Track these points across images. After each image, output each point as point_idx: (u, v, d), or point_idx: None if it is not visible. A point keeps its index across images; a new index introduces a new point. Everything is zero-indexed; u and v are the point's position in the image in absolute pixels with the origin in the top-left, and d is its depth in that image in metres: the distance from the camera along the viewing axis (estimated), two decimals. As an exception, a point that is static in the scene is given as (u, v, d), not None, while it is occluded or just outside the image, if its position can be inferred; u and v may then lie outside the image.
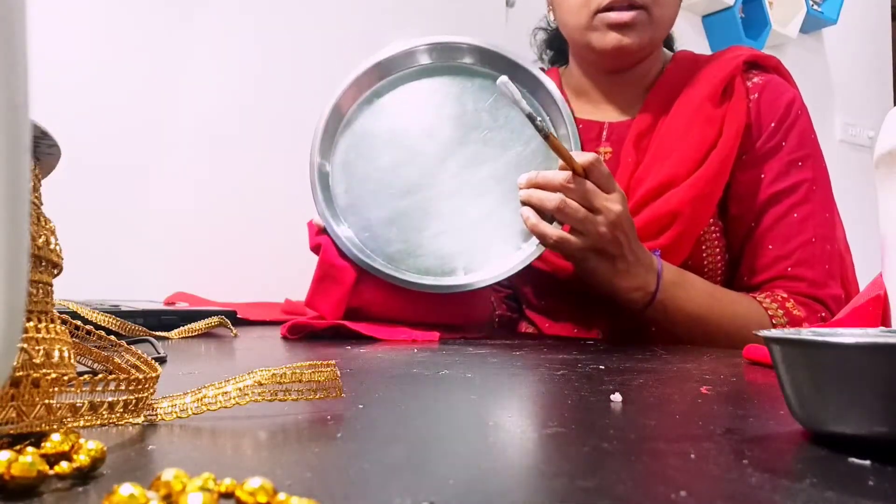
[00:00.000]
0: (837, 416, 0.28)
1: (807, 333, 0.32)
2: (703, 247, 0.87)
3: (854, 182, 1.88)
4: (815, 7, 2.22)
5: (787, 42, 2.14)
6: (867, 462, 0.26)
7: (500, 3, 1.58)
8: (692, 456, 0.27)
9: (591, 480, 0.24)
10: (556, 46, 1.07)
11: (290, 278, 1.16)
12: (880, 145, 0.49)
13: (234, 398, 0.32)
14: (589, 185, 0.72)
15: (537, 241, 0.78)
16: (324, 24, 1.33)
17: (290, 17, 1.30)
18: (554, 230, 0.73)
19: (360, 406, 0.37)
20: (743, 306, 0.82)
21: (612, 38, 0.87)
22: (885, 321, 0.49)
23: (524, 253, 0.81)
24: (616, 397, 0.39)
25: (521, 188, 0.75)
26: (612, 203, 0.72)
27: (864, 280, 0.85)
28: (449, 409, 0.39)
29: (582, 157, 0.72)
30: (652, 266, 0.77)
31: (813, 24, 2.23)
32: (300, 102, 1.29)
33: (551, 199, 0.72)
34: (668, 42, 1.04)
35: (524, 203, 0.74)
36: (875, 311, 0.49)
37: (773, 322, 0.81)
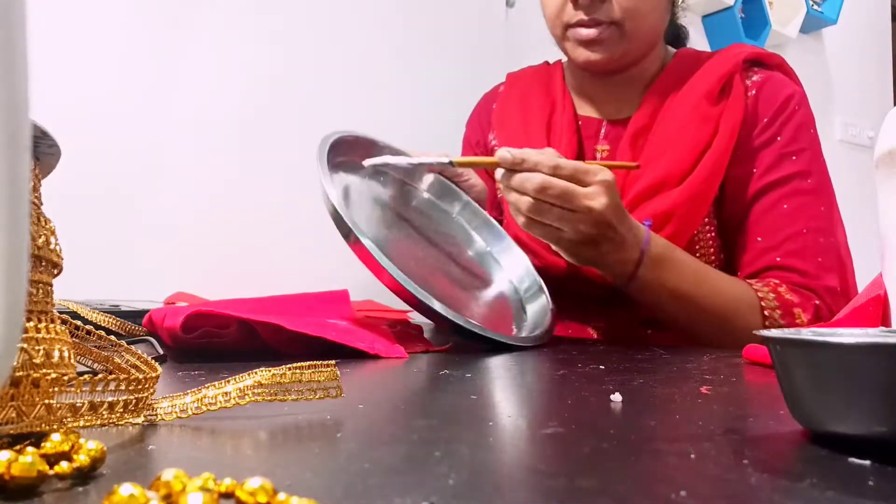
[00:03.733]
0: (837, 416, 0.28)
1: (807, 333, 0.32)
2: (697, 246, 0.87)
3: (854, 182, 1.88)
4: (815, 7, 2.21)
5: (787, 42, 2.13)
6: (867, 462, 0.26)
7: (500, 3, 1.58)
8: (692, 456, 0.27)
9: (591, 480, 0.24)
10: None
11: (290, 278, 1.16)
12: (880, 145, 0.49)
13: (234, 398, 0.32)
14: (562, 185, 0.69)
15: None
16: (321, 24, 1.33)
17: (289, 19, 1.30)
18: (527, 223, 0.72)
19: (360, 406, 0.37)
20: (732, 287, 0.80)
21: (580, 53, 0.87)
22: (885, 321, 0.49)
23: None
24: (616, 397, 0.39)
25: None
26: (593, 200, 0.69)
27: (864, 280, 0.84)
28: (449, 409, 0.39)
29: (498, 154, 0.72)
30: (638, 243, 0.75)
31: (813, 24, 2.23)
32: (300, 102, 1.29)
33: (524, 202, 0.70)
34: (679, 38, 1.03)
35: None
36: (875, 311, 0.49)
37: (763, 304, 0.79)
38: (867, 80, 2.52)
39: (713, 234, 0.88)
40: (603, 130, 0.94)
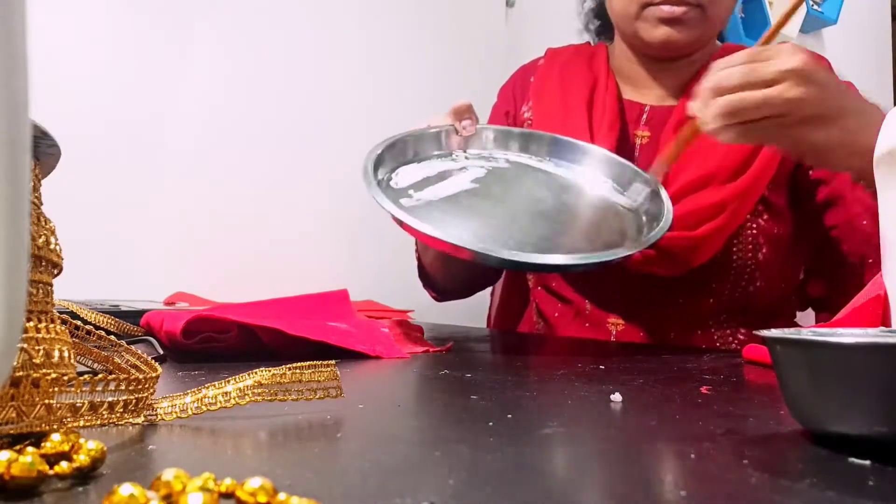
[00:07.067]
0: (837, 416, 0.28)
1: (807, 333, 0.32)
2: (736, 240, 0.84)
3: (854, 182, 1.88)
4: (815, 7, 2.21)
5: (786, 42, 2.14)
6: (867, 462, 0.26)
7: (500, 3, 1.58)
8: (692, 456, 0.27)
9: (591, 480, 0.24)
10: (605, 18, 1.05)
11: (290, 278, 1.16)
12: (880, 145, 0.49)
13: (234, 398, 0.32)
14: (740, 68, 0.62)
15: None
16: (320, 23, 1.33)
17: (291, 20, 1.30)
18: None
19: (360, 406, 0.37)
20: None
21: (661, 32, 0.86)
22: (886, 321, 0.49)
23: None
24: (616, 397, 0.39)
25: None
26: (783, 61, 0.62)
27: (863, 280, 0.83)
28: (449, 409, 0.39)
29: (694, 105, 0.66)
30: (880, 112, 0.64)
31: (813, 24, 2.22)
32: (301, 102, 1.29)
33: (720, 104, 0.62)
34: (723, 31, 1.02)
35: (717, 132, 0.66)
36: (875, 311, 0.49)
37: None
38: (867, 81, 2.51)
39: (755, 232, 0.85)
40: (645, 116, 0.93)
